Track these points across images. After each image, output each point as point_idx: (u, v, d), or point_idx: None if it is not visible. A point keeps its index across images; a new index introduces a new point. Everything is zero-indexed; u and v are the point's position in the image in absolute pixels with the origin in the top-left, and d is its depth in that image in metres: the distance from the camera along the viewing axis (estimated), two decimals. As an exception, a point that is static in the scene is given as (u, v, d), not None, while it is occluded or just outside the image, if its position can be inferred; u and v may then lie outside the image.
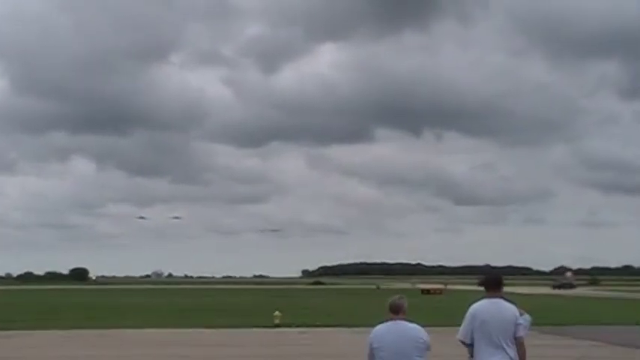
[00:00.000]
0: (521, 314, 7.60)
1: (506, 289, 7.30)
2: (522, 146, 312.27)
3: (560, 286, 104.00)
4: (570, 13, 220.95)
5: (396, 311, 6.80)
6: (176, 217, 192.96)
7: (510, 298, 7.45)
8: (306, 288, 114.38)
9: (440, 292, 78.82)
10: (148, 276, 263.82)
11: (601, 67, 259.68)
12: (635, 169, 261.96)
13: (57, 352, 19.27)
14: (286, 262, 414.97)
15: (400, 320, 6.76)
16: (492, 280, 7.02)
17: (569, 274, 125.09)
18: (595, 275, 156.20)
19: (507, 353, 6.70)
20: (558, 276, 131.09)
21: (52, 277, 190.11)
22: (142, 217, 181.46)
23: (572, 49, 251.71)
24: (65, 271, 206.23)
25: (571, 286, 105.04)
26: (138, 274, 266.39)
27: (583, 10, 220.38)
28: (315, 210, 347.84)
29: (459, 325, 7.14)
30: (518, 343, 6.77)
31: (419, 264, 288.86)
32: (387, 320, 6.81)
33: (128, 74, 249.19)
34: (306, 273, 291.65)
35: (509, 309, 6.87)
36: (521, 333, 6.80)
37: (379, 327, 6.82)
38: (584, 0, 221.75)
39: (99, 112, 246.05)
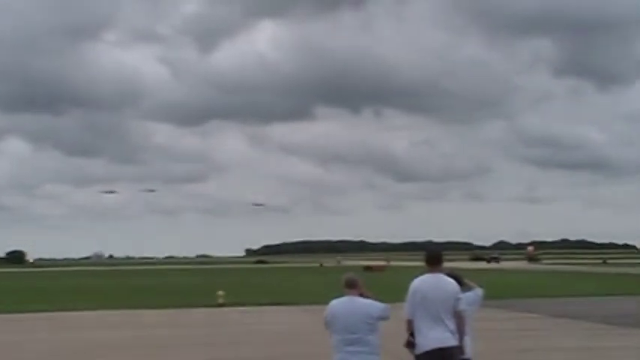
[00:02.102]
0: (472, 288, 7.81)
1: (446, 264, 7.44)
2: (460, 123, 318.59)
3: (490, 260, 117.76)
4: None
5: (349, 286, 6.96)
6: (151, 190, 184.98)
7: (458, 273, 7.61)
8: (249, 267, 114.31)
9: (382, 268, 79.60)
10: (88, 258, 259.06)
11: (535, 45, 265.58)
12: (570, 145, 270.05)
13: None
14: (229, 242, 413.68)
15: (354, 296, 6.90)
16: (432, 255, 7.15)
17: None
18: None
19: (447, 326, 6.82)
20: (501, 251, 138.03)
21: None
22: (111, 192, 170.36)
23: (508, 27, 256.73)
24: (1, 254, 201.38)
25: (498, 260, 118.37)
26: (77, 256, 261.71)
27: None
28: (256, 188, 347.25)
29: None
30: (458, 317, 6.89)
31: (362, 241, 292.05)
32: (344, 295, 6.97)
33: (62, 53, 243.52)
34: (249, 252, 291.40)
35: (450, 283, 7.00)
36: (461, 307, 6.93)
37: (334, 302, 6.99)
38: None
39: (33, 92, 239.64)
